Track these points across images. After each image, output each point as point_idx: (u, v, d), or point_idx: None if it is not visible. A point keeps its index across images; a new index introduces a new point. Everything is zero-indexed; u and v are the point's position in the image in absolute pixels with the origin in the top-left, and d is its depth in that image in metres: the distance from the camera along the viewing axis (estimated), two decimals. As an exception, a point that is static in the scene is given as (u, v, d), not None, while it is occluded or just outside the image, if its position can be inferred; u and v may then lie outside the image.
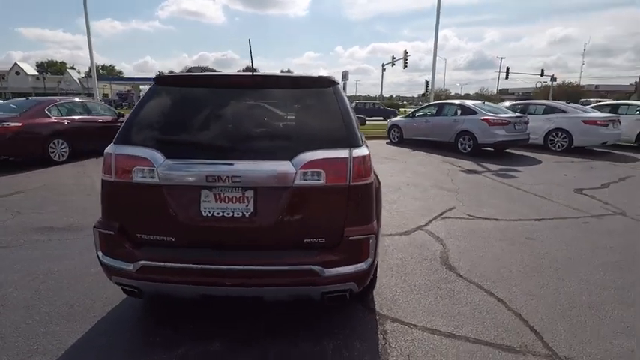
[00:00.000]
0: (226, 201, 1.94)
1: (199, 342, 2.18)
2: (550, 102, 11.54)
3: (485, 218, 4.60)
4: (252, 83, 2.18)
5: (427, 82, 44.19)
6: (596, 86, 71.87)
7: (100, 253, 2.06)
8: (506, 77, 47.01)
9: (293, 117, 2.17)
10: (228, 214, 1.93)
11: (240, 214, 1.93)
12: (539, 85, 59.32)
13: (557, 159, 9.18)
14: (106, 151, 2.05)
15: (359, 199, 2.00)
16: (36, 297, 2.65)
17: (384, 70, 43.95)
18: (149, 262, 1.94)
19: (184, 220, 1.95)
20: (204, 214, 1.94)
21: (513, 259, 3.39)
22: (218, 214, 1.93)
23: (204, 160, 1.93)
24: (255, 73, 2.16)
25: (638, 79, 55.36)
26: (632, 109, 11.48)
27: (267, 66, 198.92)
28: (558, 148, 10.31)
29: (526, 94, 63.47)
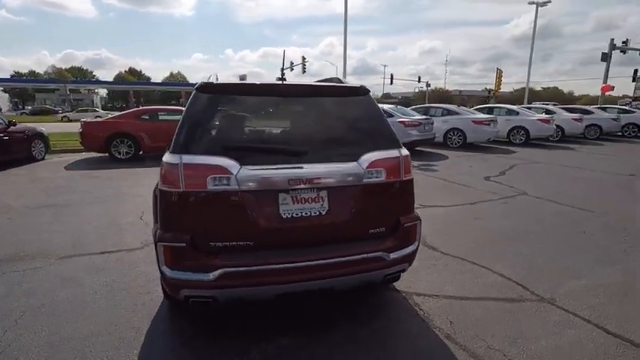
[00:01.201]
0: (303, 202, 2.08)
1: (268, 340, 2.25)
2: (447, 105, 13.60)
3: (434, 206, 5.38)
4: (299, 92, 2.35)
5: None
6: (460, 91, 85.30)
7: (167, 269, 1.98)
8: (391, 83, 52.40)
9: (344, 122, 2.39)
10: (305, 213, 2.08)
11: (317, 213, 2.10)
12: (417, 90, 67.99)
13: (458, 154, 10.93)
14: (167, 161, 1.99)
15: (407, 191, 2.35)
16: (44, 335, 2.31)
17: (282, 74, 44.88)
18: (230, 269, 1.96)
19: (263, 223, 2.03)
20: (284, 216, 2.05)
21: (474, 235, 4.14)
22: (297, 214, 2.06)
23: (281, 165, 2.04)
24: (297, 83, 2.35)
25: (490, 86, 67.83)
26: (502, 110, 14.30)
27: (153, 67, 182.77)
28: (455, 144, 12.25)
29: (406, 98, 71.72)
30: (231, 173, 1.96)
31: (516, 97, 57.78)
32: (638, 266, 3.34)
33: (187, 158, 1.97)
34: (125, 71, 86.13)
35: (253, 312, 2.56)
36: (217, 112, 2.21)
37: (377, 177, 2.19)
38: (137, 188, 6.34)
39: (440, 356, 2.15)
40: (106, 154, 9.19)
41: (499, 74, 32.53)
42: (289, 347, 2.21)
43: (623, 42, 28.22)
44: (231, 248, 2.02)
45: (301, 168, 2.06)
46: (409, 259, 2.34)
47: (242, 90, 2.32)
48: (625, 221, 4.65)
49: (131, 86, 55.41)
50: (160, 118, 9.69)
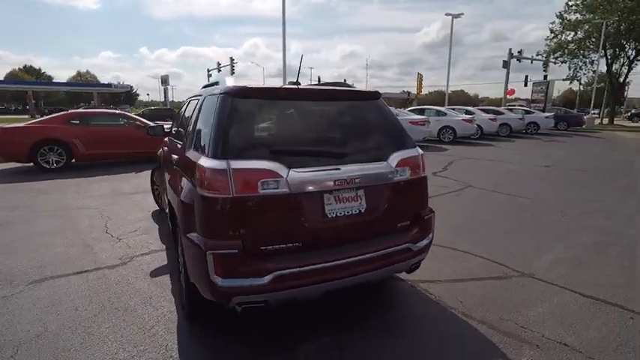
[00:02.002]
0: (344, 201, 2.17)
1: (309, 340, 2.29)
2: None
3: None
4: (324, 96, 2.43)
5: None
6: (381, 94, 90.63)
7: (218, 279, 1.92)
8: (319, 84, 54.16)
9: (367, 124, 2.52)
10: (347, 212, 2.17)
11: (357, 211, 2.20)
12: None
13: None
14: (211, 166, 1.93)
15: (425, 187, 2.57)
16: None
17: (209, 75, 43.57)
18: (282, 272, 1.98)
19: (310, 224, 2.08)
20: (329, 216, 2.12)
21: (445, 225, 4.56)
22: (340, 213, 2.15)
23: (324, 167, 2.10)
24: (324, 87, 2.44)
25: (407, 89, 73.37)
26: (432, 112, 15.66)
27: (52, 65, 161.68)
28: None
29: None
30: (281, 176, 1.98)
31: (432, 99, 63.22)
32: (582, 240, 4.04)
33: (237, 163, 1.93)
34: (19, 69, 74.88)
35: (283, 314, 2.56)
36: (252, 115, 2.19)
37: (403, 175, 2.37)
38: (84, 200, 5.72)
39: (468, 332, 2.40)
40: (31, 164, 8.05)
41: (420, 78, 35.41)
42: (331, 344, 2.28)
43: (519, 52, 32.86)
44: (282, 250, 2.03)
45: (339, 169, 2.15)
46: (428, 248, 2.57)
47: (272, 94, 2.33)
48: (558, 204, 5.52)
49: (30, 86, 48.21)
50: (93, 122, 8.78)
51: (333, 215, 2.13)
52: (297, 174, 2.02)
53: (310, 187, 2.05)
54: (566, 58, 31.03)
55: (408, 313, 2.65)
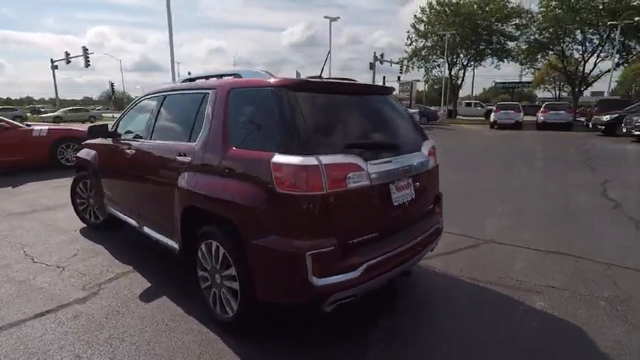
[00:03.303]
0: (401, 190, 2.30)
1: (365, 336, 2.37)
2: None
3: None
4: (366, 91, 2.54)
5: (112, 83, 40.67)
6: None
7: (314, 279, 1.84)
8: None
9: (398, 116, 2.65)
10: (404, 200, 2.31)
11: (410, 198, 2.36)
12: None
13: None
14: (300, 163, 1.83)
15: (438, 173, 2.89)
16: None
17: (55, 67, 36.35)
18: (370, 262, 2.02)
19: (383, 213, 2.16)
20: (395, 204, 2.22)
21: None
22: (400, 201, 2.27)
23: (392, 158, 2.21)
24: (362, 83, 2.52)
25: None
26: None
27: None
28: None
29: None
30: (363, 169, 2.00)
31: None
32: (524, 205, 5.03)
33: (326, 158, 1.87)
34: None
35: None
36: (315, 109, 2.12)
37: (432, 162, 2.64)
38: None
39: (484, 292, 2.82)
40: None
41: (298, 77, 37.01)
42: (390, 327, 2.41)
43: (381, 55, 37.36)
44: (364, 242, 2.06)
45: (398, 159, 2.29)
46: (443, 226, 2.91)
47: (325, 87, 2.30)
48: (465, 184, 6.68)
49: None
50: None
51: (397, 204, 2.25)
52: (373, 166, 2.07)
53: (383, 178, 2.13)
54: (420, 63, 36.64)
55: (430, 286, 2.95)
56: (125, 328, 2.39)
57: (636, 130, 13.34)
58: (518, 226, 4.36)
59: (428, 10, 34.89)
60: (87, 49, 33.15)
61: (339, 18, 28.03)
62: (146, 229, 3.08)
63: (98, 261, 3.43)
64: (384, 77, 38.16)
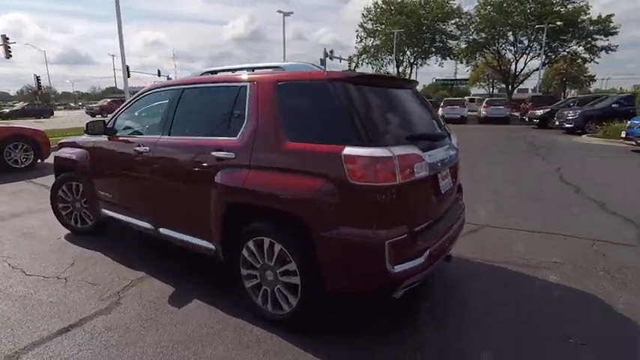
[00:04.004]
0: (444, 178, 2.44)
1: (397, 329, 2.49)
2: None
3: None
4: (405, 84, 2.63)
5: (37, 77, 36.51)
6: None
7: (391, 267, 1.90)
8: (129, 76, 47.33)
9: (429, 109, 2.77)
10: (447, 187, 2.45)
11: (450, 186, 2.51)
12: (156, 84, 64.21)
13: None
14: (378, 155, 1.87)
15: (459, 163, 3.08)
16: None
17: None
18: (432, 248, 2.12)
19: (435, 200, 2.28)
20: (442, 192, 2.35)
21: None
22: (445, 190, 2.41)
23: (440, 149, 2.33)
24: (399, 77, 2.60)
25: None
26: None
27: None
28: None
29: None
30: (424, 160, 2.09)
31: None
32: (501, 192, 5.44)
33: (398, 150, 1.93)
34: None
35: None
36: (375, 102, 2.15)
37: (458, 152, 2.81)
38: None
39: (502, 272, 3.06)
40: None
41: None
42: (428, 308, 2.55)
43: (330, 51, 37.90)
44: (423, 228, 2.15)
45: (440, 150, 2.41)
46: (463, 213, 3.11)
47: (377, 82, 2.34)
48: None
49: None
50: None
51: (444, 191, 2.38)
52: (430, 157, 2.17)
53: (434, 169, 2.24)
54: (370, 60, 37.74)
55: (450, 269, 3.14)
56: (169, 335, 2.26)
57: (567, 124, 14.99)
58: (503, 211, 4.76)
59: (374, 8, 35.98)
60: (7, 38, 29.47)
61: (292, 13, 27.88)
62: (165, 232, 2.91)
63: (102, 269, 3.16)
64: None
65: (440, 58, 37.45)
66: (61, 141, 4.14)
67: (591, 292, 2.71)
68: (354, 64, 38.42)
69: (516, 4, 31.25)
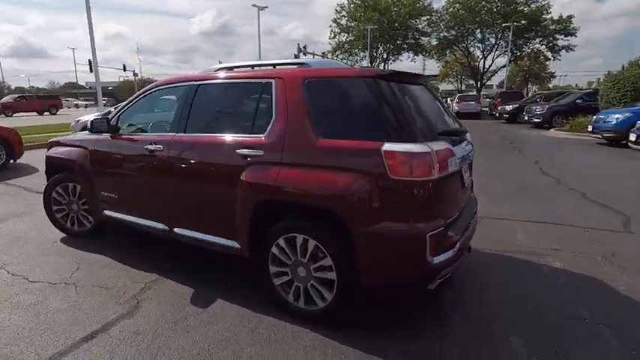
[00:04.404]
0: (466, 172, 2.53)
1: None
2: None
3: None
4: (421, 80, 2.68)
5: None
6: None
7: (432, 259, 1.97)
8: (91, 70, 44.52)
9: (443, 105, 2.85)
10: (467, 181, 2.56)
11: (469, 181, 2.62)
12: (123, 79, 61.23)
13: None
14: (418, 151, 1.93)
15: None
16: None
17: None
18: (461, 240, 2.21)
19: (460, 194, 2.36)
20: (465, 185, 2.44)
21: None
22: (466, 183, 2.50)
23: (462, 145, 2.41)
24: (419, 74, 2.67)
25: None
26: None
27: None
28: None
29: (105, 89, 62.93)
30: (455, 155, 2.17)
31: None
32: (488, 185, 5.64)
33: (435, 145, 1.99)
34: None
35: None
36: (408, 99, 2.19)
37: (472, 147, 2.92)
38: None
39: (513, 261, 3.22)
40: None
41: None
42: (452, 296, 2.65)
43: (304, 46, 37.82)
44: (452, 222, 2.23)
45: (462, 145, 2.51)
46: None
47: (405, 79, 2.38)
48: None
49: None
50: None
51: (465, 185, 2.48)
52: (458, 152, 2.25)
53: (461, 163, 2.32)
54: (344, 56, 37.87)
55: (465, 260, 3.26)
56: (202, 336, 2.22)
57: (536, 118, 15.77)
58: (496, 202, 4.97)
59: (347, 5, 36.15)
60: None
61: (267, 7, 27.47)
62: (181, 232, 2.83)
63: (110, 272, 3.04)
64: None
65: (412, 55, 38.24)
66: (52, 140, 3.92)
67: (594, 276, 2.90)
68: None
69: (483, 2, 32.38)
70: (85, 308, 2.53)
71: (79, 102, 51.52)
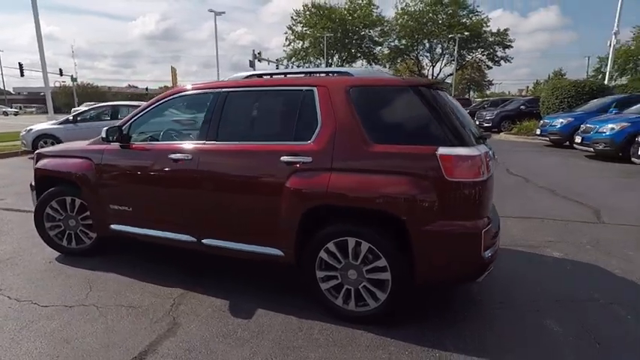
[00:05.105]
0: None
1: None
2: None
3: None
4: (444, 86, 2.86)
5: None
6: (109, 88, 77.47)
7: (484, 254, 2.13)
8: (22, 75, 41.04)
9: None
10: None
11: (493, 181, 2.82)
12: (58, 84, 56.68)
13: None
14: (473, 154, 2.09)
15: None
16: None
17: None
18: (498, 234, 2.40)
19: (487, 195, 2.55)
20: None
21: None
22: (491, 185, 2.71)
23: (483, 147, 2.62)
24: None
25: (130, 82, 67.07)
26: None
27: None
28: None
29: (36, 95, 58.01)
30: (492, 157, 2.36)
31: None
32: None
33: (482, 148, 2.17)
34: None
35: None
36: (447, 105, 2.34)
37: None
38: None
39: (516, 254, 3.50)
40: None
41: (174, 72, 34.65)
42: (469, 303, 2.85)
43: (258, 53, 37.68)
44: (489, 219, 2.41)
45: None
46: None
47: (439, 86, 2.52)
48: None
49: None
50: None
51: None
52: (489, 154, 2.45)
53: (493, 165, 2.52)
54: (299, 63, 38.27)
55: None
56: (259, 347, 2.19)
57: (486, 123, 17.08)
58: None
59: (303, 12, 36.66)
60: None
61: (224, 12, 27.00)
62: (212, 243, 2.75)
63: (131, 290, 2.86)
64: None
65: (365, 63, 39.56)
66: (40, 151, 3.60)
67: (592, 262, 3.27)
68: (282, 67, 38.67)
69: (430, 15, 34.51)
70: (119, 330, 2.37)
71: (8, 110, 46.67)
